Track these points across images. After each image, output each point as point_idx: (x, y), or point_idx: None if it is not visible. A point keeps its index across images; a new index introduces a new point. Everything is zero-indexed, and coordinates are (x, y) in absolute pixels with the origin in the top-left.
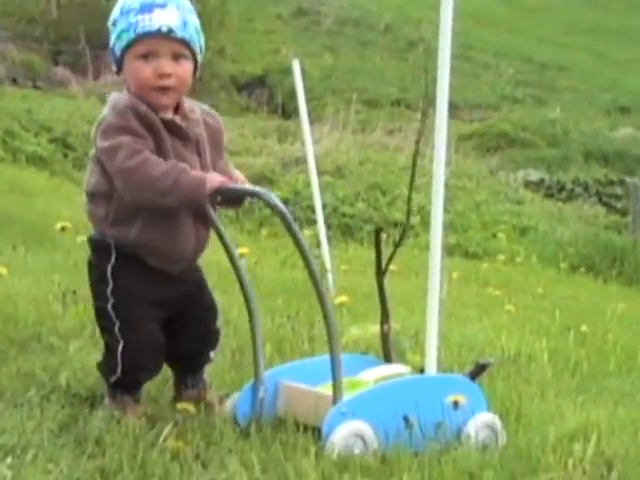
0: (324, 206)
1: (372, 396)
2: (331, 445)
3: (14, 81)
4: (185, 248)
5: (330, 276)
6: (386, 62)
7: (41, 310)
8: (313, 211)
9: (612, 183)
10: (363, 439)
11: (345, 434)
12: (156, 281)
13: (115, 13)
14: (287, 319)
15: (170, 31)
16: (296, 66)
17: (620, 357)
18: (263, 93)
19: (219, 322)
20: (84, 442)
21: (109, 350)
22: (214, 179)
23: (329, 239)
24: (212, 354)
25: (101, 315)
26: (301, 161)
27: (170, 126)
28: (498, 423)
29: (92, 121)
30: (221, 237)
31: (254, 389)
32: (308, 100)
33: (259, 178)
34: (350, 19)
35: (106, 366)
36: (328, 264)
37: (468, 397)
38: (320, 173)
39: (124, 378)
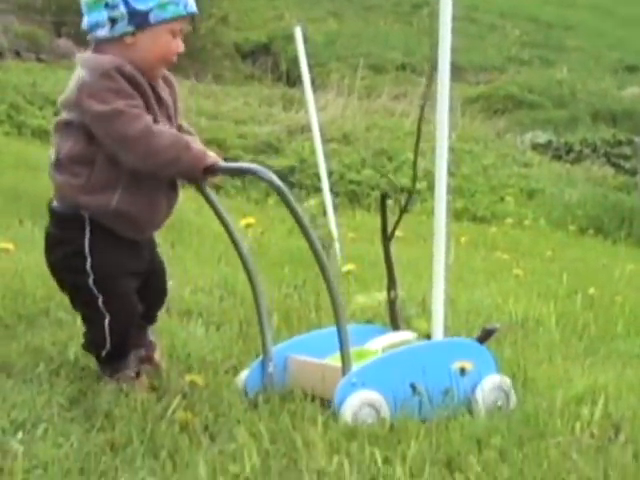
0: (330, 173)
1: (381, 365)
2: (343, 415)
3: (17, 54)
4: (159, 215)
5: (337, 245)
6: (390, 26)
7: (49, 285)
8: (319, 179)
9: (620, 143)
10: (375, 408)
11: (356, 404)
12: (131, 252)
13: None
14: (294, 289)
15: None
16: (298, 32)
17: (628, 319)
18: (267, 60)
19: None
20: (93, 416)
21: (94, 325)
22: (210, 157)
23: (336, 207)
24: (158, 314)
25: (80, 290)
26: (307, 129)
27: (153, 91)
28: (508, 383)
29: None
30: (217, 211)
31: (263, 365)
32: (312, 67)
33: (265, 146)
34: None
35: (94, 342)
36: (335, 232)
37: (476, 361)
38: (326, 140)
39: (114, 351)
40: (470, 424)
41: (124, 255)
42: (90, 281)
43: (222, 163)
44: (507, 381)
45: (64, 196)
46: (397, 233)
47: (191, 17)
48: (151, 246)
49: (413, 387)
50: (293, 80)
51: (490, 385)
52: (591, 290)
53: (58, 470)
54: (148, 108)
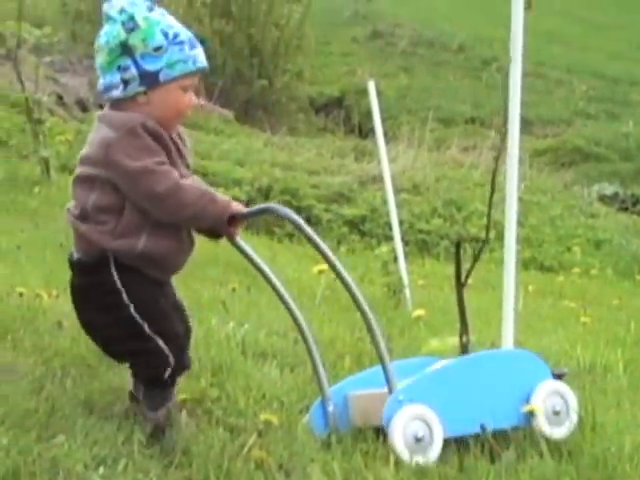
0: (401, 223)
1: (428, 379)
2: (393, 433)
3: (101, 107)
4: (182, 258)
5: (407, 291)
6: (459, 81)
7: None
8: (390, 227)
9: None
10: (426, 422)
11: (405, 420)
12: (158, 287)
13: (156, 38)
14: (366, 332)
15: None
16: (371, 87)
17: None
18: (340, 114)
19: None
20: (171, 453)
21: (149, 353)
22: (233, 206)
23: (406, 255)
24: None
25: (124, 326)
26: (378, 179)
27: (173, 143)
28: (565, 388)
29: None
30: (251, 260)
31: (323, 405)
32: (384, 120)
33: (337, 196)
34: (424, 40)
35: (155, 369)
36: (405, 279)
37: (529, 366)
38: (397, 190)
39: (177, 365)
40: (539, 466)
41: (154, 287)
42: (132, 311)
43: (244, 210)
44: (563, 386)
45: (90, 242)
46: (468, 280)
47: (202, 72)
48: (173, 288)
49: (483, 428)
50: (365, 132)
51: (547, 391)
52: None
53: None
54: (171, 161)
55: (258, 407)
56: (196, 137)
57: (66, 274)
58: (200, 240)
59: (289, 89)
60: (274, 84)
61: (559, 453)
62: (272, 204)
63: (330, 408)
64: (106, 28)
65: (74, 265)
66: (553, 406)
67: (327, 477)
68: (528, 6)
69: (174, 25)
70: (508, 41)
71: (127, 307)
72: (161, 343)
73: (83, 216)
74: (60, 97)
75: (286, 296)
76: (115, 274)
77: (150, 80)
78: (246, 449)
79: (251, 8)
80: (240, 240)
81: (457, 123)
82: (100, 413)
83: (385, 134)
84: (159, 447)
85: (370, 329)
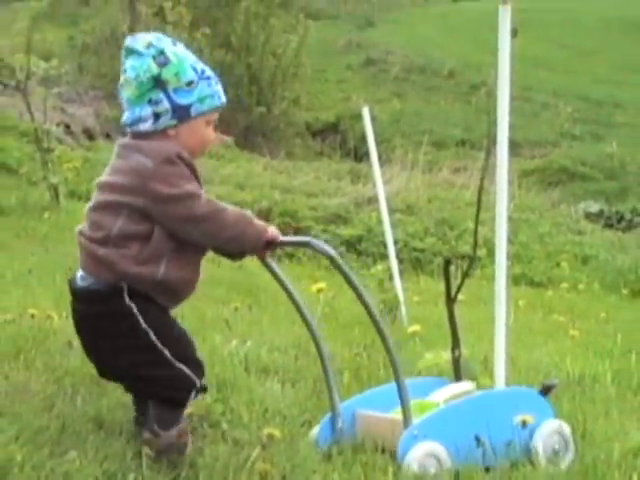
0: (395, 242)
1: (441, 417)
2: (407, 467)
3: (107, 136)
4: (192, 288)
5: (403, 307)
6: (450, 105)
7: None
8: (385, 246)
9: None
10: (437, 458)
11: (419, 455)
12: (166, 312)
13: (189, 73)
14: (363, 348)
15: None
16: (366, 112)
17: None
18: (336, 138)
19: None
20: (179, 466)
21: (172, 378)
22: (270, 231)
23: (401, 272)
24: None
25: (143, 353)
26: (373, 200)
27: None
28: (566, 428)
29: None
30: (279, 280)
31: (332, 421)
32: (378, 143)
33: (334, 217)
34: (415, 66)
35: (179, 392)
36: (401, 296)
37: (534, 409)
38: (391, 211)
39: (200, 390)
40: (532, 474)
41: (166, 313)
42: (152, 337)
43: (281, 237)
44: (565, 426)
45: (108, 266)
46: (459, 297)
47: (223, 107)
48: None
49: (477, 439)
50: (360, 156)
51: (549, 430)
52: None
53: None
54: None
55: (261, 421)
56: (198, 162)
57: None
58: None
59: (287, 115)
60: (272, 111)
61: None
62: (311, 239)
63: (339, 425)
64: (132, 62)
65: (82, 293)
66: (553, 445)
67: None
68: (514, 33)
69: (199, 61)
70: (496, 66)
71: (146, 333)
72: (184, 368)
73: (104, 241)
74: (67, 126)
75: (307, 314)
76: (128, 300)
77: (182, 114)
78: (250, 462)
79: (250, 38)
80: (271, 261)
81: (448, 146)
82: (109, 429)
83: (379, 157)
84: (166, 462)
85: (393, 366)
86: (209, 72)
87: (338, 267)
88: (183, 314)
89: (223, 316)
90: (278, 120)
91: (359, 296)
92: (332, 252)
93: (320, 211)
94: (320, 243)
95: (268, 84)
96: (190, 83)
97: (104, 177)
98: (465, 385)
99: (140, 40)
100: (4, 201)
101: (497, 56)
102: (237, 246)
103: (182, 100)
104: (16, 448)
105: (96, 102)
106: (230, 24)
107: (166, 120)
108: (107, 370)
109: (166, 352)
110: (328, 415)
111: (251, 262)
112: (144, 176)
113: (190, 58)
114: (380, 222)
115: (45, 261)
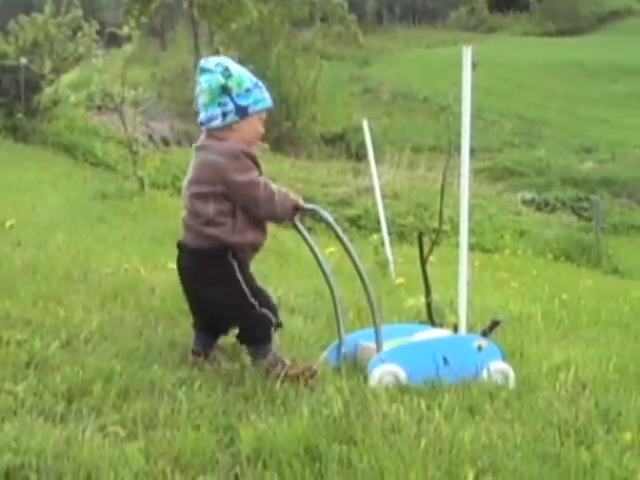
0: (386, 219)
1: (405, 347)
2: (371, 380)
3: (178, 143)
4: (264, 243)
5: (391, 266)
6: (425, 122)
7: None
8: (379, 223)
9: (581, 199)
10: (395, 376)
11: (381, 373)
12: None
13: (247, 83)
14: (364, 294)
15: None
16: (365, 124)
17: (590, 315)
18: (342, 145)
19: None
20: (231, 374)
21: (255, 317)
22: (298, 198)
23: (391, 241)
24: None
25: (235, 296)
26: (369, 189)
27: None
28: (510, 370)
29: None
30: (306, 240)
31: (338, 348)
32: (373, 149)
33: (340, 202)
34: (400, 93)
35: (261, 328)
36: (390, 258)
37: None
38: (383, 197)
39: (277, 325)
40: (486, 383)
41: (248, 269)
42: (243, 285)
43: (303, 204)
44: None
45: (215, 239)
46: (431, 259)
47: (270, 109)
48: None
49: (445, 360)
50: (360, 157)
51: (495, 368)
52: (564, 296)
53: (209, 412)
54: (260, 172)
55: (287, 346)
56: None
57: (157, 257)
58: None
59: (307, 128)
60: (296, 125)
61: None
62: (316, 207)
63: (343, 350)
64: (205, 77)
65: (192, 252)
66: (496, 381)
67: (338, 391)
68: (474, 66)
69: (252, 75)
70: (458, 94)
71: (239, 282)
72: (264, 309)
73: (207, 223)
74: (150, 136)
75: (327, 267)
76: (230, 258)
77: (243, 112)
78: (283, 372)
79: (280, 73)
80: (301, 226)
81: (423, 151)
82: (182, 349)
83: (374, 159)
84: (220, 371)
85: (370, 300)
86: (260, 83)
87: (333, 230)
88: None
89: (262, 271)
90: (300, 132)
91: (347, 251)
92: (329, 218)
93: (330, 197)
94: (320, 210)
95: (293, 106)
96: (248, 90)
97: (189, 175)
98: (443, 331)
99: (211, 61)
100: (106, 189)
101: (460, 85)
102: (281, 214)
103: (242, 102)
104: (116, 362)
105: (170, 119)
106: (266, 62)
107: (231, 117)
108: (203, 311)
109: (253, 299)
110: (335, 342)
111: (282, 232)
112: (220, 169)
113: (246, 73)
114: (374, 205)
115: (134, 231)
